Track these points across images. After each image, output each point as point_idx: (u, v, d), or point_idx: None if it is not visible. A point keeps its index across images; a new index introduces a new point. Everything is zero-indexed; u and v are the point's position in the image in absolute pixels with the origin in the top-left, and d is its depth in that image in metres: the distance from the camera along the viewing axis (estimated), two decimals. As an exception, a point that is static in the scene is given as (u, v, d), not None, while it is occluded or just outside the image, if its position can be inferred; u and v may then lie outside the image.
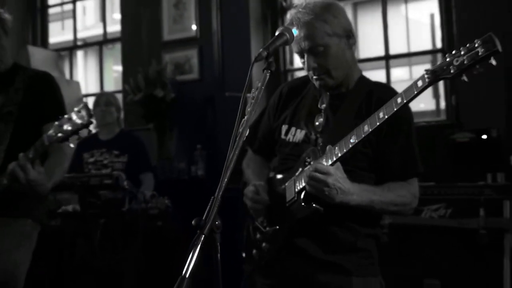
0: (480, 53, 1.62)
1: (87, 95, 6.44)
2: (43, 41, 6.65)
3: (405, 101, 1.79)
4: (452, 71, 1.68)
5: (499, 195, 3.17)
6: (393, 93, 1.98)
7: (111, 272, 4.02)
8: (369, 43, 5.74)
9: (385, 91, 2.07)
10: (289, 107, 2.23)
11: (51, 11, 6.85)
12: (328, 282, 2.02)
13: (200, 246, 1.45)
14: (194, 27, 5.32)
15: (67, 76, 6.35)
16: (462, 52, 1.67)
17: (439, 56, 4.86)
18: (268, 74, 1.83)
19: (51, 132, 2.31)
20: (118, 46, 6.06)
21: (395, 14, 5.72)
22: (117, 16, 6.50)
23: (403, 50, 6.08)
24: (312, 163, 1.97)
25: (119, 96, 5.45)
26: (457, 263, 3.17)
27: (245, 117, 1.75)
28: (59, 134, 2.29)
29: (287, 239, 2.04)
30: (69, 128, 2.27)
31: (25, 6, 6.42)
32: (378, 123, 1.83)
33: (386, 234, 3.35)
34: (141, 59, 5.43)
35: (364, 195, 1.92)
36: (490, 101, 4.06)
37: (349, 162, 1.97)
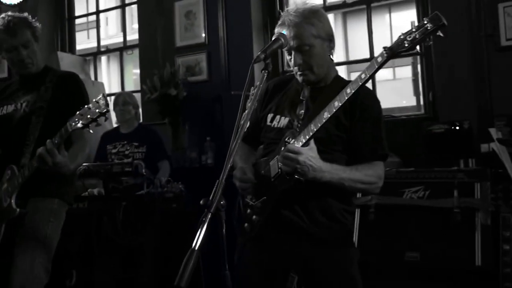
0: (429, 28, 1.70)
1: (110, 95, 6.45)
2: (70, 47, 6.62)
3: (368, 76, 1.85)
4: (406, 45, 1.75)
5: (471, 179, 3.16)
6: (363, 89, 2.01)
7: (132, 248, 4.05)
8: (356, 47, 5.75)
9: (355, 86, 2.08)
10: (274, 99, 2.26)
11: (77, 21, 6.83)
12: (312, 255, 2.05)
13: (208, 223, 1.49)
14: (203, 34, 5.32)
15: (92, 78, 6.35)
16: (414, 29, 1.74)
17: (418, 58, 4.85)
18: (265, 74, 1.89)
19: (73, 120, 2.38)
20: (136, 52, 6.05)
21: (380, 22, 5.69)
22: (136, 26, 6.49)
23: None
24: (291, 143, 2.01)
25: (138, 95, 5.49)
26: (434, 238, 3.17)
27: (246, 111, 1.78)
28: (81, 122, 2.35)
29: (274, 208, 2.06)
30: (89, 116, 2.34)
31: (55, 16, 6.41)
32: (346, 97, 1.89)
33: (373, 213, 3.37)
34: (157, 63, 5.43)
35: (334, 173, 1.96)
36: (462, 97, 4.08)
37: (327, 145, 2.02)
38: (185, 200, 4.14)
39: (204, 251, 1.46)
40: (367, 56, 4.77)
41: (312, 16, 2.07)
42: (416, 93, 5.97)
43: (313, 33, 2.06)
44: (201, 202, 1.56)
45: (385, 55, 1.80)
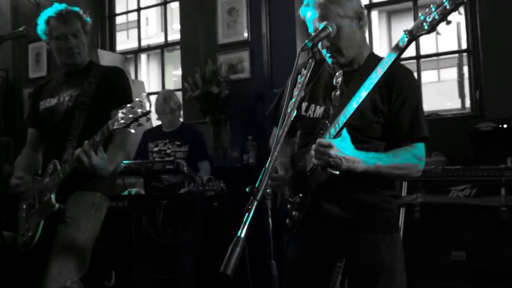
0: (448, 7, 1.66)
1: (149, 94, 6.60)
2: (111, 46, 6.85)
3: (391, 61, 1.83)
4: (426, 27, 1.73)
5: (519, 176, 3.20)
6: (399, 69, 2.05)
7: (173, 247, 4.10)
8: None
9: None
10: (307, 85, 2.23)
11: (117, 22, 7.03)
12: (356, 243, 2.08)
13: (253, 211, 1.53)
14: (245, 31, 5.43)
15: (133, 76, 6.52)
16: (433, 9, 1.71)
17: (464, 58, 4.89)
18: (313, 62, 1.95)
19: (115, 118, 2.40)
20: (177, 53, 6.17)
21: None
22: (176, 26, 6.61)
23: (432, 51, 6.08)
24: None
25: (179, 94, 5.53)
26: (481, 237, 3.22)
27: (292, 100, 1.87)
28: (122, 121, 2.37)
29: (312, 203, 2.09)
30: (131, 115, 2.35)
31: (95, 14, 6.62)
32: (371, 86, 1.87)
33: (418, 211, 3.44)
34: (198, 61, 5.55)
35: (369, 161, 1.96)
36: (509, 95, 4.12)
37: (365, 133, 2.06)
38: (226, 199, 4.21)
39: (250, 240, 1.51)
40: (413, 54, 4.86)
41: None
42: (461, 94, 5.93)
43: (339, 13, 2.04)
44: (247, 189, 1.60)
45: (406, 40, 1.79)
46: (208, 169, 4.62)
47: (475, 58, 4.48)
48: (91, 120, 2.75)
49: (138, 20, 7.03)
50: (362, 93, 1.88)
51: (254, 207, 1.55)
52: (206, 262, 4.17)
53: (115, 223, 4.21)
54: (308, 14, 2.13)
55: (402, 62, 4.90)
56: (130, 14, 7.48)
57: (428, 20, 1.71)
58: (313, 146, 1.96)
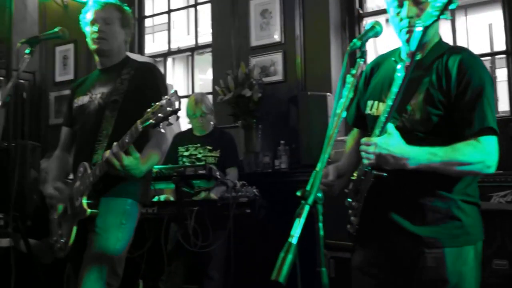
0: None
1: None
2: (140, 49, 6.89)
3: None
4: (434, 13, 1.80)
5: (563, 181, 3.09)
6: (464, 51, 1.98)
7: (203, 254, 4.08)
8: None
9: (455, 51, 2.00)
10: (372, 82, 2.23)
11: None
12: (419, 255, 1.96)
13: (305, 216, 1.50)
14: (279, 33, 5.41)
15: (161, 80, 6.52)
16: None
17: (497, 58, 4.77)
18: (361, 63, 1.92)
19: (144, 118, 2.37)
20: (203, 57, 6.17)
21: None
22: (204, 29, 6.62)
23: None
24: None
25: (210, 98, 5.58)
26: (524, 245, 3.12)
27: (342, 100, 1.84)
28: (151, 120, 2.33)
29: (366, 209, 2.02)
30: (160, 114, 2.31)
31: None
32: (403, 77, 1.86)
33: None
34: (230, 63, 5.57)
35: (422, 158, 1.85)
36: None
37: (423, 128, 1.96)
38: (258, 205, 4.17)
39: (300, 246, 1.47)
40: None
41: None
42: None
43: None
44: (297, 193, 1.57)
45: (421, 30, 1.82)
46: (235, 176, 4.57)
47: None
48: (123, 119, 2.66)
49: (168, 23, 7.06)
50: (394, 89, 1.88)
51: (305, 212, 1.52)
52: (236, 271, 4.16)
53: (144, 230, 4.23)
54: None
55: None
56: (156, 17, 7.49)
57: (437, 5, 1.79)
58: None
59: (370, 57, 5.83)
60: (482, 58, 5.88)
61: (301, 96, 4.96)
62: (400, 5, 2.03)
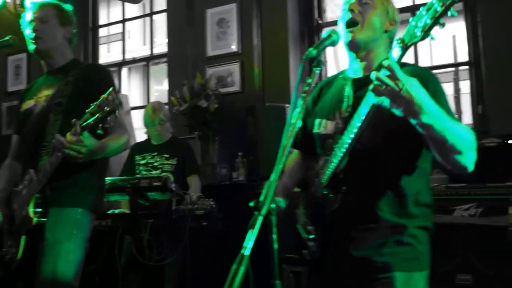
0: (438, 9, 1.60)
1: (132, 108, 6.57)
2: (94, 58, 6.81)
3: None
4: (418, 33, 1.66)
5: (526, 194, 3.17)
6: (413, 65, 1.99)
7: (158, 268, 4.03)
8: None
9: (405, 65, 1.97)
10: (320, 101, 2.21)
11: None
12: (371, 281, 1.94)
13: (258, 227, 1.46)
14: (236, 43, 5.42)
15: (116, 90, 6.47)
16: (423, 13, 1.64)
17: (461, 69, 4.88)
18: (317, 72, 1.90)
19: (83, 118, 2.35)
20: (160, 68, 6.15)
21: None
22: (159, 39, 6.61)
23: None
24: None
25: None
26: (488, 259, 3.18)
27: (297, 109, 1.82)
28: (89, 121, 2.32)
29: (324, 234, 2.01)
30: (98, 114, 2.30)
31: (77, 25, 6.55)
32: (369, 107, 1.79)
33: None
34: (186, 74, 5.54)
35: (435, 121, 1.71)
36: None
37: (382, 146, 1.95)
38: (215, 218, 4.13)
39: (257, 258, 1.46)
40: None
41: None
42: (458, 111, 5.93)
43: None
44: (250, 203, 1.54)
45: (400, 49, 1.72)
46: (198, 184, 4.60)
47: (477, 71, 4.48)
48: (69, 122, 2.51)
49: (123, 32, 7.01)
50: (363, 109, 1.80)
51: (258, 223, 1.48)
52: (193, 284, 4.12)
53: (97, 244, 4.14)
54: None
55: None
56: (111, 27, 7.43)
57: (420, 25, 1.65)
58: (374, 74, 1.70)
59: (331, 67, 5.91)
60: (446, 70, 6.07)
61: (259, 107, 4.96)
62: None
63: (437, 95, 1.84)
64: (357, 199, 1.93)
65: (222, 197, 4.43)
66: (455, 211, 3.37)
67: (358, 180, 1.95)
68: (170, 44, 6.02)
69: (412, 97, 1.66)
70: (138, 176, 4.49)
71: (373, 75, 1.69)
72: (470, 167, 1.90)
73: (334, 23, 5.34)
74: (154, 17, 6.68)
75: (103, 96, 2.29)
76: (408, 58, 1.90)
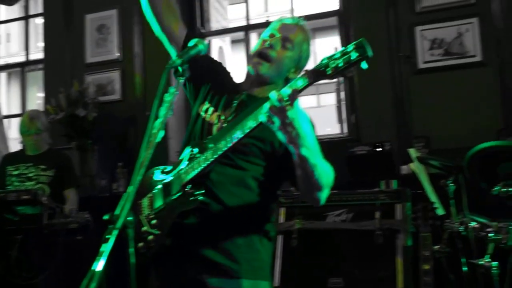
0: (352, 58, 1.65)
1: (8, 116, 6.32)
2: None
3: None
4: (329, 72, 1.70)
5: (392, 200, 3.39)
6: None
7: (31, 286, 3.83)
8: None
9: None
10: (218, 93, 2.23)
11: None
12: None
13: (113, 241, 1.45)
14: (116, 50, 5.36)
15: (-10, 98, 6.22)
16: (338, 55, 1.69)
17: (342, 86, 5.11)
18: (181, 81, 1.93)
19: None
20: (41, 74, 5.96)
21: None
22: (41, 44, 6.42)
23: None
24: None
25: None
26: (358, 262, 3.34)
27: (159, 119, 1.83)
28: None
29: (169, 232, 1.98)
30: None
31: None
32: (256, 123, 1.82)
33: (296, 238, 3.52)
34: (64, 81, 5.40)
35: (307, 153, 1.81)
36: (383, 120, 4.46)
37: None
38: (92, 231, 4.05)
39: (110, 274, 1.47)
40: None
41: (309, 35, 2.20)
42: (340, 120, 6.23)
43: (302, 41, 2.15)
44: (104, 217, 1.54)
45: (307, 80, 1.74)
46: (74, 197, 4.45)
47: (351, 82, 4.72)
48: None
49: (-3, 35, 6.71)
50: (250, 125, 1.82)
51: (113, 237, 1.47)
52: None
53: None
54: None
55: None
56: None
57: (332, 65, 1.70)
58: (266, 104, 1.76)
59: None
60: (328, 81, 6.36)
61: (140, 116, 4.96)
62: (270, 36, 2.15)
63: (311, 134, 1.97)
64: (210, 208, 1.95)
65: (102, 209, 4.33)
66: (327, 217, 3.53)
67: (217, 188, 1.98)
68: (46, 49, 5.85)
69: (298, 130, 1.75)
70: (6, 189, 4.29)
71: (274, 95, 1.73)
72: (322, 202, 2.00)
73: (218, 32, 5.44)
74: (36, 20, 6.43)
75: None
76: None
